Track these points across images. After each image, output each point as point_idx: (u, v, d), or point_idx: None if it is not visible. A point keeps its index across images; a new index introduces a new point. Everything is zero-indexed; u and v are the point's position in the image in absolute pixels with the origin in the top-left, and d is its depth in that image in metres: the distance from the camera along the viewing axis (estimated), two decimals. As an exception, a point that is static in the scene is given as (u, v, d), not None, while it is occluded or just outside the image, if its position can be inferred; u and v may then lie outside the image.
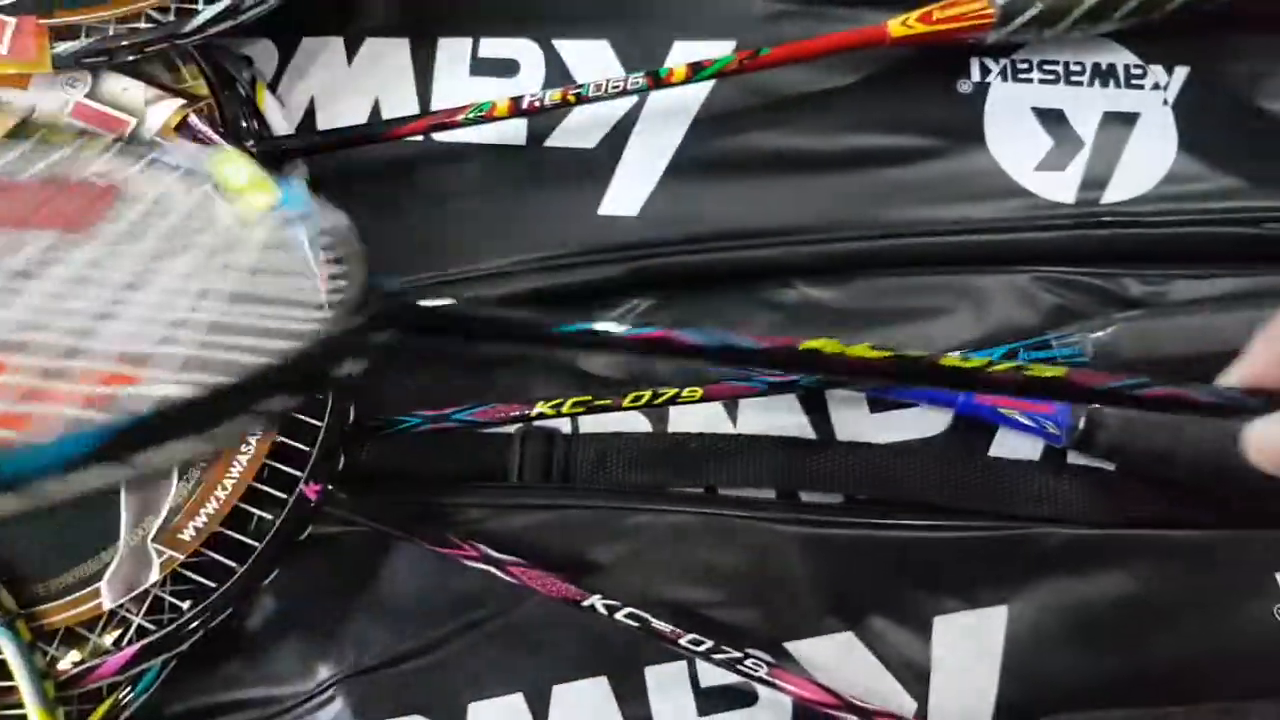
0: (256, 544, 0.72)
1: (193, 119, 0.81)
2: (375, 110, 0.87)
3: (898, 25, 0.77)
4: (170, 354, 0.33)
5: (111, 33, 0.80)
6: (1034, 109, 0.80)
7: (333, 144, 0.85)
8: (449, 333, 0.43)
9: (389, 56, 0.88)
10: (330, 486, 0.74)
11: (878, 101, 0.82)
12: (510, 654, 0.75)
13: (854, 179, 0.81)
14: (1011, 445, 0.76)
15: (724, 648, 0.69)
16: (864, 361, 0.45)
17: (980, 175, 0.79)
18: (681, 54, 0.84)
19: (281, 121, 0.86)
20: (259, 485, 0.73)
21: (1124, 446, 0.72)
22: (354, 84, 0.88)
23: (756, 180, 0.82)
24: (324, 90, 0.88)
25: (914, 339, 0.77)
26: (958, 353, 0.74)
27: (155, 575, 0.72)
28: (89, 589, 0.72)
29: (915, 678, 0.72)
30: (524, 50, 0.86)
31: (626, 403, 0.75)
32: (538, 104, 0.80)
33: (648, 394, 0.75)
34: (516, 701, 0.74)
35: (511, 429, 0.80)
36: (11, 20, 0.80)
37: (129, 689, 0.74)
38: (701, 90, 0.83)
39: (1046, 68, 0.81)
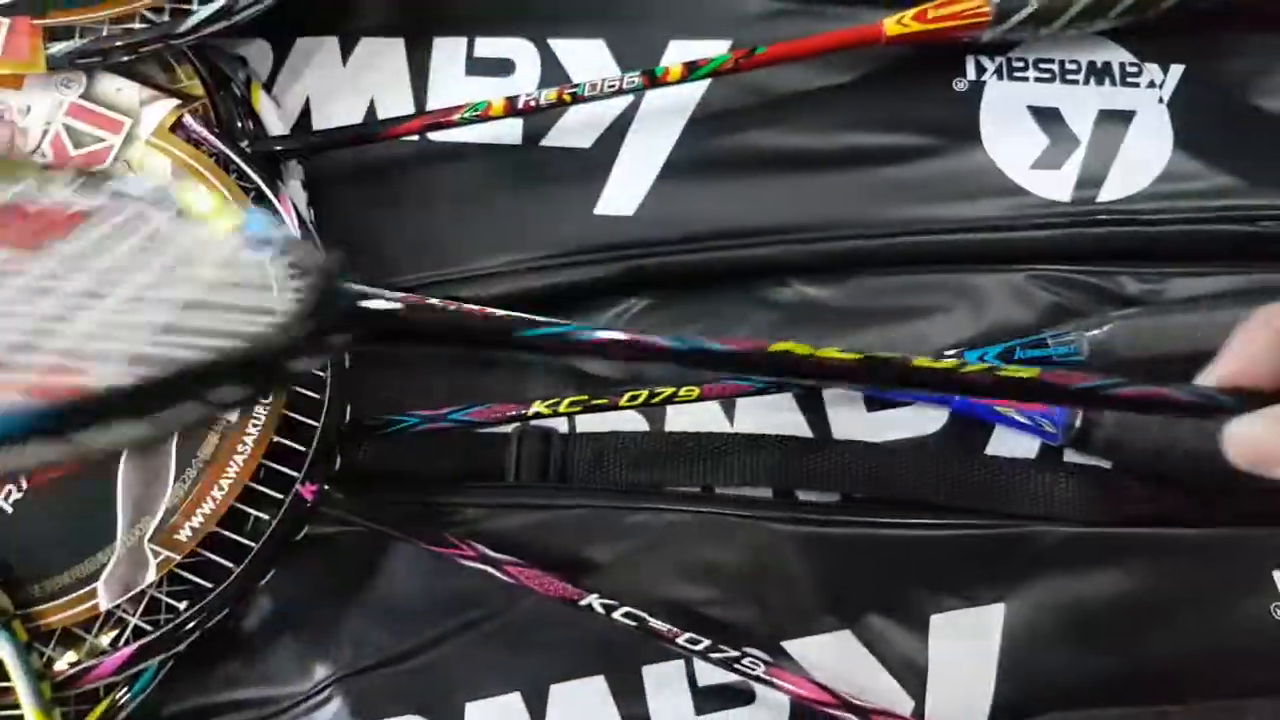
0: (253, 544, 0.72)
1: (188, 119, 0.81)
2: (371, 110, 0.87)
3: (893, 24, 0.77)
4: (119, 350, 0.33)
5: (106, 33, 0.80)
6: (1030, 107, 0.80)
7: (328, 144, 0.85)
8: (410, 338, 0.43)
9: (384, 56, 0.88)
10: (327, 487, 0.74)
11: (874, 100, 0.82)
12: (507, 653, 0.75)
13: (850, 178, 0.81)
14: (1008, 444, 0.76)
15: (721, 647, 0.70)
16: (834, 363, 0.45)
17: (976, 174, 0.79)
18: (677, 53, 0.84)
19: (277, 121, 0.86)
20: (255, 485, 0.73)
21: (1121, 444, 0.72)
22: (349, 84, 0.88)
23: (753, 179, 0.82)
24: (319, 90, 0.88)
25: (911, 337, 0.77)
26: (951, 352, 0.75)
27: (152, 576, 0.72)
28: (86, 589, 0.72)
29: (912, 676, 0.72)
30: (519, 50, 0.86)
31: (623, 402, 0.75)
32: (533, 103, 0.80)
33: (644, 393, 0.75)
34: (514, 701, 0.74)
35: (508, 428, 0.80)
36: (5, 20, 0.80)
37: (126, 689, 0.74)
38: (697, 89, 0.83)
39: (1042, 66, 0.81)
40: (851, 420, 0.78)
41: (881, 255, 0.79)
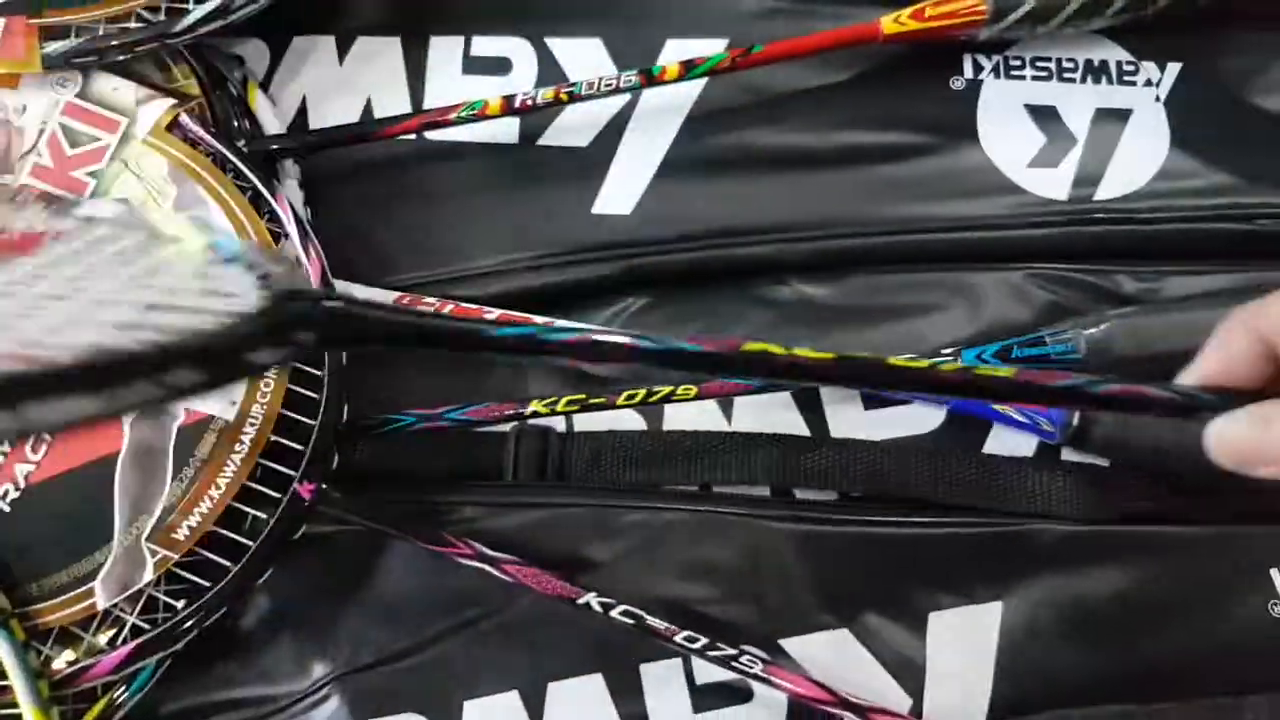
0: (251, 543, 0.72)
1: (184, 118, 0.81)
2: (367, 109, 0.87)
3: (890, 22, 0.77)
4: (79, 341, 0.33)
5: (101, 32, 0.80)
6: (1027, 106, 0.80)
7: (325, 143, 0.85)
8: (376, 340, 0.42)
9: (381, 55, 0.88)
10: (324, 485, 0.74)
11: (871, 99, 0.82)
12: (505, 652, 0.75)
13: (847, 176, 0.81)
14: (1006, 442, 0.76)
15: (719, 645, 0.70)
16: (808, 363, 0.45)
17: (973, 172, 0.79)
18: (674, 52, 0.84)
19: (273, 120, 0.86)
20: (253, 484, 0.73)
21: (1118, 442, 0.72)
22: (346, 83, 0.88)
23: (750, 178, 0.82)
24: (316, 89, 0.88)
25: (908, 336, 0.78)
26: (949, 350, 0.75)
27: (149, 574, 0.72)
28: (83, 588, 0.72)
29: (910, 674, 0.72)
30: (516, 49, 0.86)
31: (621, 401, 0.75)
32: (530, 102, 0.80)
33: (642, 392, 0.75)
34: (512, 699, 0.74)
35: (506, 427, 0.80)
36: (1, 20, 0.80)
37: (123, 688, 0.74)
38: (694, 88, 0.83)
39: (1039, 64, 0.81)
40: (849, 419, 0.78)
41: (879, 254, 0.79)
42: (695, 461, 0.77)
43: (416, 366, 0.82)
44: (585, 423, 0.80)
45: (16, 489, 0.74)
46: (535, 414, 0.76)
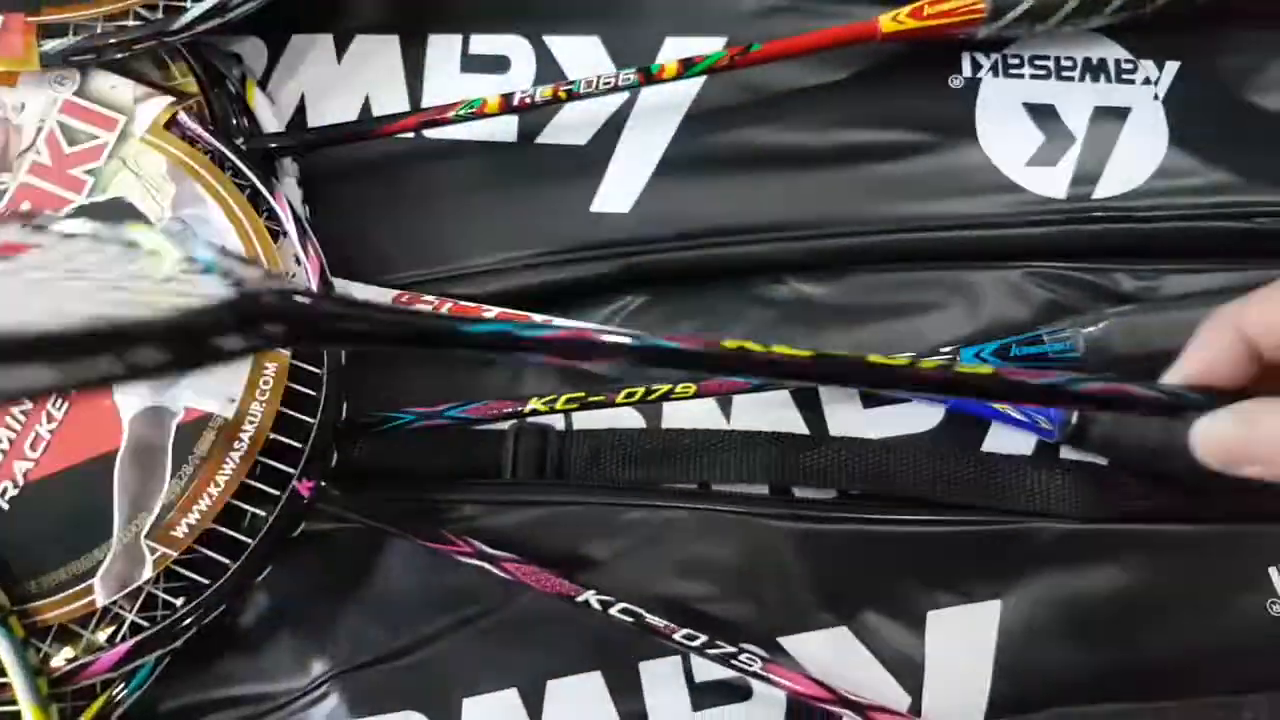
0: (250, 541, 0.72)
1: (182, 116, 0.81)
2: (366, 107, 0.87)
3: (889, 21, 0.77)
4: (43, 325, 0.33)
5: (100, 30, 0.80)
6: (1025, 104, 0.80)
7: (323, 141, 0.85)
8: (348, 337, 0.42)
9: (379, 54, 0.88)
10: (323, 483, 0.74)
11: (869, 97, 0.82)
12: (504, 649, 0.75)
13: (845, 174, 0.81)
14: (1004, 441, 0.76)
15: (718, 643, 0.69)
16: (788, 361, 0.44)
17: (972, 170, 0.79)
18: (672, 50, 0.84)
19: (272, 119, 0.86)
20: (252, 482, 0.73)
21: (1117, 441, 0.72)
22: (344, 81, 0.88)
23: (748, 176, 0.82)
24: (314, 87, 0.88)
25: (906, 335, 0.78)
26: (948, 349, 0.75)
27: (148, 572, 0.72)
28: (82, 585, 0.72)
29: (909, 672, 0.72)
30: (515, 47, 0.86)
31: (620, 399, 0.75)
32: (529, 100, 0.80)
33: (641, 390, 0.75)
34: (511, 697, 0.74)
35: (505, 425, 0.80)
36: (-2, 18, 0.80)
37: (122, 686, 0.74)
38: (693, 86, 0.83)
39: (1038, 63, 0.81)
40: (848, 417, 0.78)
41: (877, 252, 0.79)
42: (694, 460, 0.77)
43: (416, 365, 0.82)
44: (584, 421, 0.80)
45: (15, 486, 0.74)
46: (534, 412, 0.76)
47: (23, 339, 0.31)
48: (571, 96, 0.80)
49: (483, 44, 0.87)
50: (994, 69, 0.81)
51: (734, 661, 0.69)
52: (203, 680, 0.78)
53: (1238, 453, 0.47)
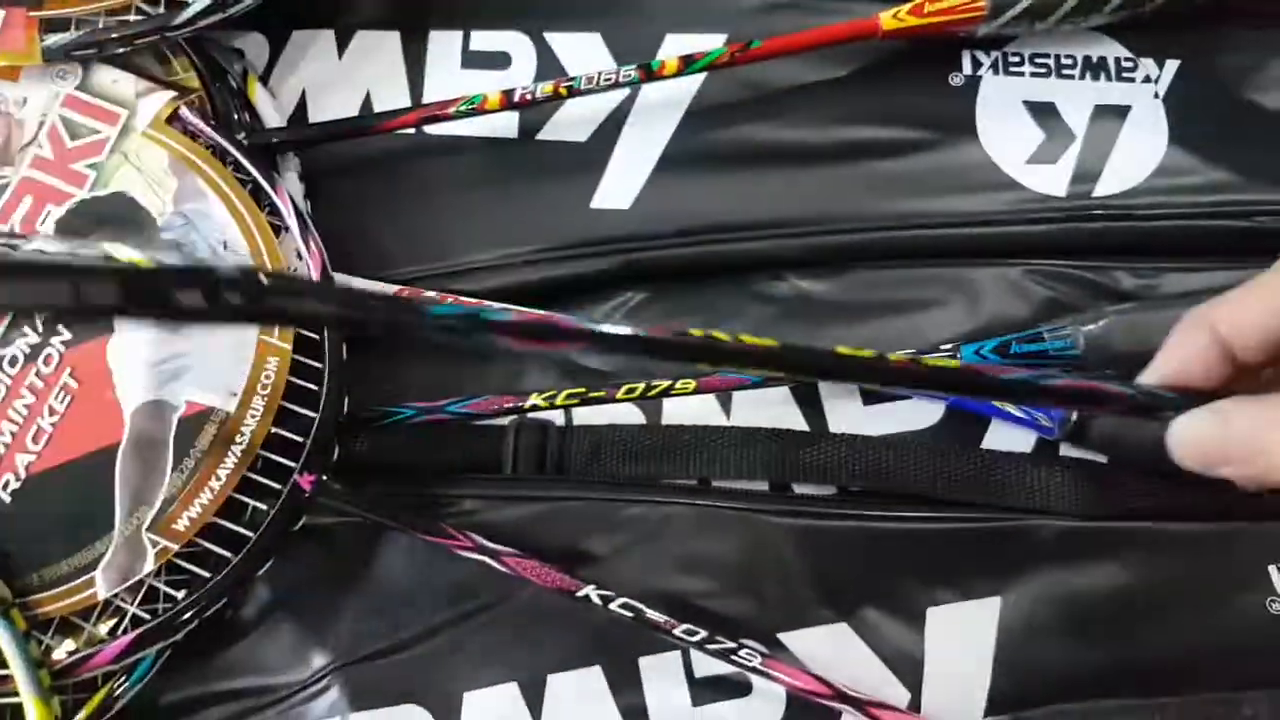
0: (251, 534, 0.72)
1: (184, 111, 0.81)
2: (366, 103, 0.87)
3: (889, 18, 0.77)
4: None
5: (101, 25, 0.80)
6: (1025, 102, 0.80)
7: (324, 136, 0.85)
8: (311, 318, 0.42)
9: (380, 49, 0.88)
10: (324, 477, 0.74)
11: (869, 94, 0.82)
12: (505, 644, 0.75)
13: (845, 171, 0.81)
14: (1004, 438, 0.76)
15: (718, 638, 0.70)
16: (753, 350, 0.44)
17: (972, 168, 0.79)
18: (673, 47, 0.84)
19: (273, 114, 0.86)
20: (253, 475, 0.73)
21: (1116, 439, 0.72)
22: (345, 77, 0.88)
23: (749, 173, 0.82)
24: (315, 83, 0.88)
25: (906, 332, 0.78)
26: (948, 346, 0.75)
27: (150, 565, 0.72)
28: (84, 578, 0.72)
29: (909, 668, 0.72)
30: (515, 43, 0.86)
31: (620, 395, 0.75)
32: (529, 97, 0.80)
33: (641, 386, 0.75)
34: (511, 691, 0.74)
35: (505, 420, 0.80)
36: (0, 12, 0.80)
37: (124, 678, 0.74)
38: (693, 83, 0.83)
39: (1038, 61, 0.81)
40: (848, 414, 0.78)
41: (877, 249, 0.79)
42: (694, 456, 0.77)
43: (417, 358, 0.82)
44: (585, 416, 0.80)
45: (17, 479, 0.74)
46: (535, 407, 0.76)
47: None
48: (572, 93, 0.80)
49: (484, 40, 0.87)
50: (994, 67, 0.81)
51: (734, 657, 0.69)
52: (204, 673, 0.78)
53: (1215, 453, 0.47)
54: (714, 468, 0.77)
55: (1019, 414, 0.74)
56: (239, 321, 0.37)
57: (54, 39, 0.79)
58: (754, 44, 0.77)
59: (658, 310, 0.82)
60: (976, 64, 0.81)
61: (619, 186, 0.83)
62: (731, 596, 0.74)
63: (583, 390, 0.76)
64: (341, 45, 0.89)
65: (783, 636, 0.73)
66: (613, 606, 0.71)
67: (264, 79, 0.88)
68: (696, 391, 0.74)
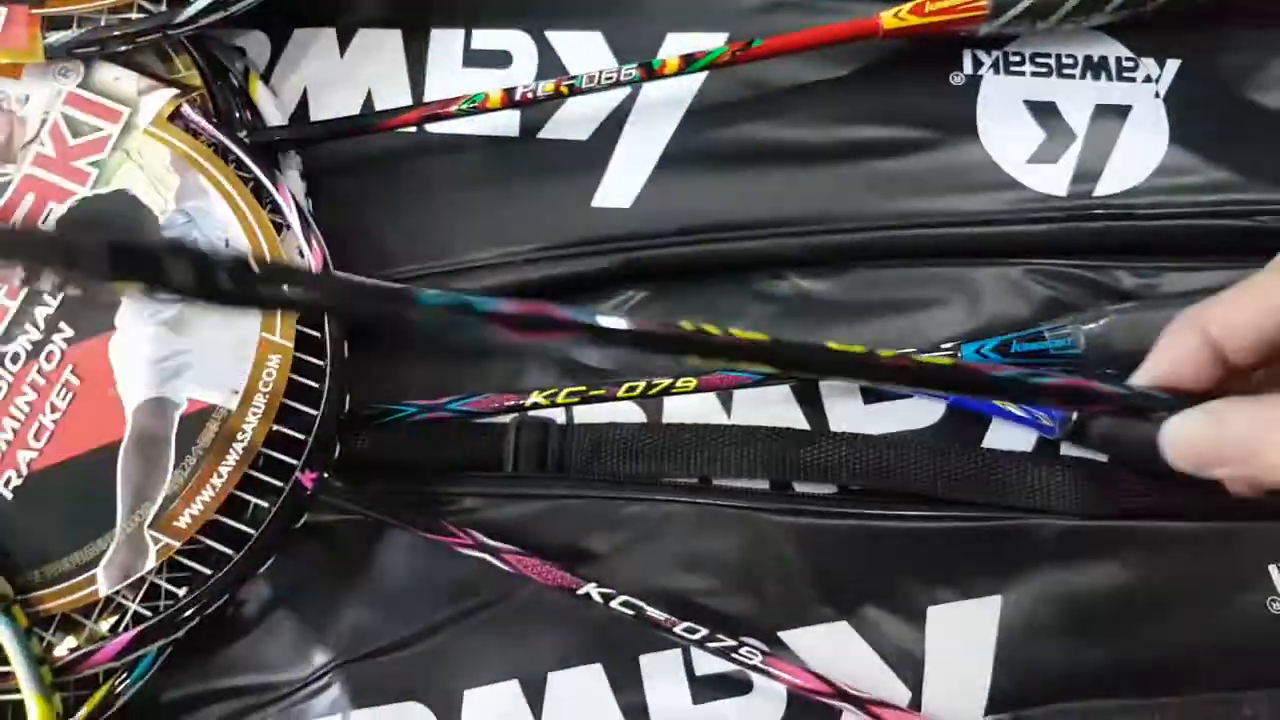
0: (253, 531, 0.72)
1: (186, 109, 0.81)
2: (368, 101, 0.87)
3: (890, 17, 0.77)
4: None
5: (103, 23, 0.80)
6: (1026, 101, 0.80)
7: (326, 135, 0.85)
8: (297, 303, 0.41)
9: (381, 48, 0.88)
10: (326, 475, 0.74)
11: (870, 93, 0.82)
12: (505, 641, 0.75)
13: (846, 171, 0.81)
14: (1005, 437, 0.76)
15: (718, 636, 0.70)
16: (744, 344, 0.44)
17: (972, 168, 0.79)
18: (674, 46, 0.84)
19: (275, 112, 0.86)
20: (255, 473, 0.73)
21: (1117, 438, 0.72)
22: (347, 75, 0.88)
23: (749, 172, 0.82)
24: (317, 81, 0.88)
25: (907, 331, 0.78)
26: (948, 345, 0.75)
27: (151, 562, 0.72)
28: (85, 575, 0.72)
29: (909, 667, 0.72)
30: (517, 42, 0.87)
31: (621, 393, 0.75)
32: (530, 95, 0.80)
33: (642, 384, 0.75)
34: (512, 688, 0.74)
35: (506, 418, 0.80)
36: (3, 9, 0.80)
37: (125, 675, 0.74)
38: (694, 82, 0.83)
39: (1039, 60, 0.81)
40: (848, 412, 0.78)
41: (878, 248, 0.79)
42: (694, 454, 0.77)
43: (418, 356, 0.82)
44: (585, 415, 0.80)
45: (19, 476, 0.74)
46: (536, 405, 0.76)
47: None
48: (573, 92, 0.80)
49: (485, 39, 0.87)
50: (995, 66, 0.81)
51: (734, 655, 0.69)
52: (205, 670, 0.78)
53: (1209, 454, 0.47)
54: (714, 466, 0.77)
55: (1020, 413, 0.74)
56: (228, 304, 0.36)
57: (56, 36, 0.79)
58: (755, 43, 0.77)
59: (658, 309, 0.82)
60: (977, 63, 0.81)
61: (620, 185, 0.83)
62: (732, 595, 0.74)
63: (583, 388, 0.76)
64: (343, 44, 0.89)
65: (783, 635, 0.73)
66: (613, 604, 0.71)
67: (265, 77, 0.88)
68: (697, 390, 0.74)
